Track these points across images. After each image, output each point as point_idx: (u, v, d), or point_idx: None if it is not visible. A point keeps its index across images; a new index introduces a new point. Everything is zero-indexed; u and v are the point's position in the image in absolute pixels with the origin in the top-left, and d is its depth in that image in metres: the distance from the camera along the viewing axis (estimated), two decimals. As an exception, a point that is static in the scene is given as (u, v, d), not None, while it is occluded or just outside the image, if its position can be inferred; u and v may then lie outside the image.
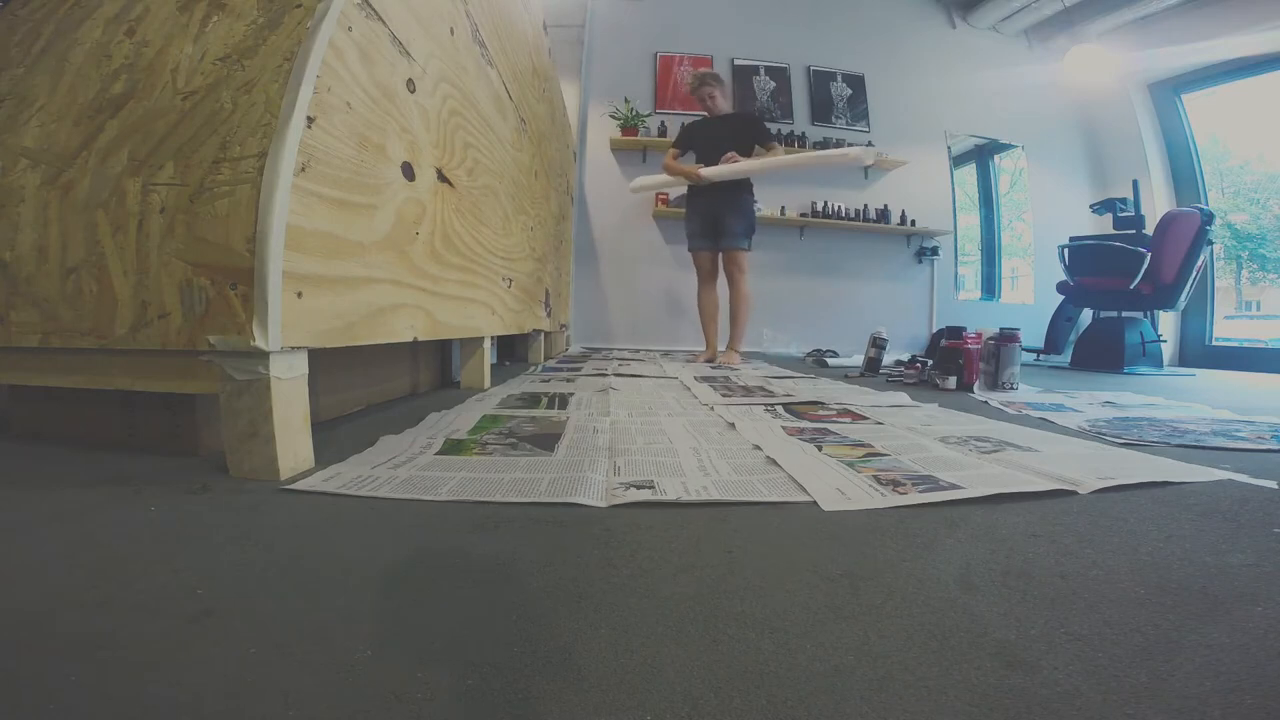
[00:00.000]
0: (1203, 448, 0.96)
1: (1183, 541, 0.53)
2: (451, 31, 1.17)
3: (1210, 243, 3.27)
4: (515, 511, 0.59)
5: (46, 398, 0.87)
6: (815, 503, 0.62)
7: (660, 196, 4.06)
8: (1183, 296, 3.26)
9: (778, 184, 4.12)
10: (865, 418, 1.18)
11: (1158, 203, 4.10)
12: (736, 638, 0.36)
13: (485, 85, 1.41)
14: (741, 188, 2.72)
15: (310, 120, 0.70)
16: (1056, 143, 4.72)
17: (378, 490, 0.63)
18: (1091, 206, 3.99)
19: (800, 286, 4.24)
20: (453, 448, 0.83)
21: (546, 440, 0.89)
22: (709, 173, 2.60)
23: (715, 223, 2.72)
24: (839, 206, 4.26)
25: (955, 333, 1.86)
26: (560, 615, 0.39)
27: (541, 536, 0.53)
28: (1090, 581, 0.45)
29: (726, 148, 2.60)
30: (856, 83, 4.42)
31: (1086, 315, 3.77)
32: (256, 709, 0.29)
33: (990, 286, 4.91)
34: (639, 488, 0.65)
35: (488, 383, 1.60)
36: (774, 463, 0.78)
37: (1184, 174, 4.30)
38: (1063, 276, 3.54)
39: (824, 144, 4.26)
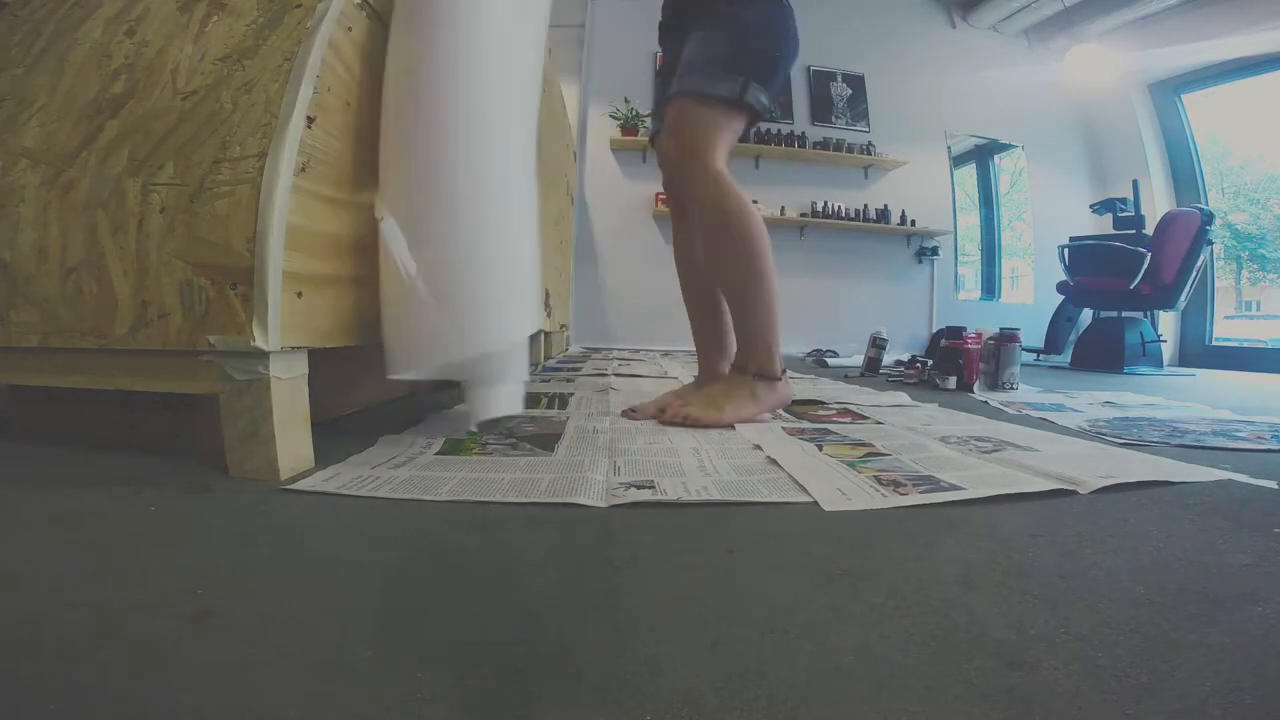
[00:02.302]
0: (1203, 448, 0.96)
1: (1183, 541, 0.53)
2: (451, 31, 1.16)
3: (1210, 243, 3.27)
4: (515, 511, 0.59)
5: (46, 398, 0.87)
6: (816, 503, 0.62)
7: (660, 196, 4.06)
8: (1183, 296, 3.26)
9: (778, 184, 4.13)
10: (865, 418, 1.18)
11: (1158, 203, 4.10)
12: (737, 638, 0.36)
13: (485, 85, 1.41)
14: None
15: (310, 120, 0.70)
16: (1056, 143, 4.72)
17: (378, 490, 0.63)
18: (1091, 206, 3.99)
19: (800, 286, 4.23)
20: (453, 448, 0.83)
21: (546, 440, 0.89)
22: None
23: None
24: (839, 206, 4.26)
25: (955, 333, 1.86)
26: (560, 615, 0.39)
27: (541, 536, 0.53)
28: (1090, 581, 0.45)
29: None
30: (856, 83, 4.43)
31: (1086, 315, 3.77)
32: (256, 709, 0.29)
33: (990, 286, 4.92)
34: (639, 488, 0.65)
35: (488, 383, 1.59)
36: (774, 463, 0.78)
37: (1184, 174, 4.31)
38: (1063, 276, 3.54)
39: (824, 144, 4.27)
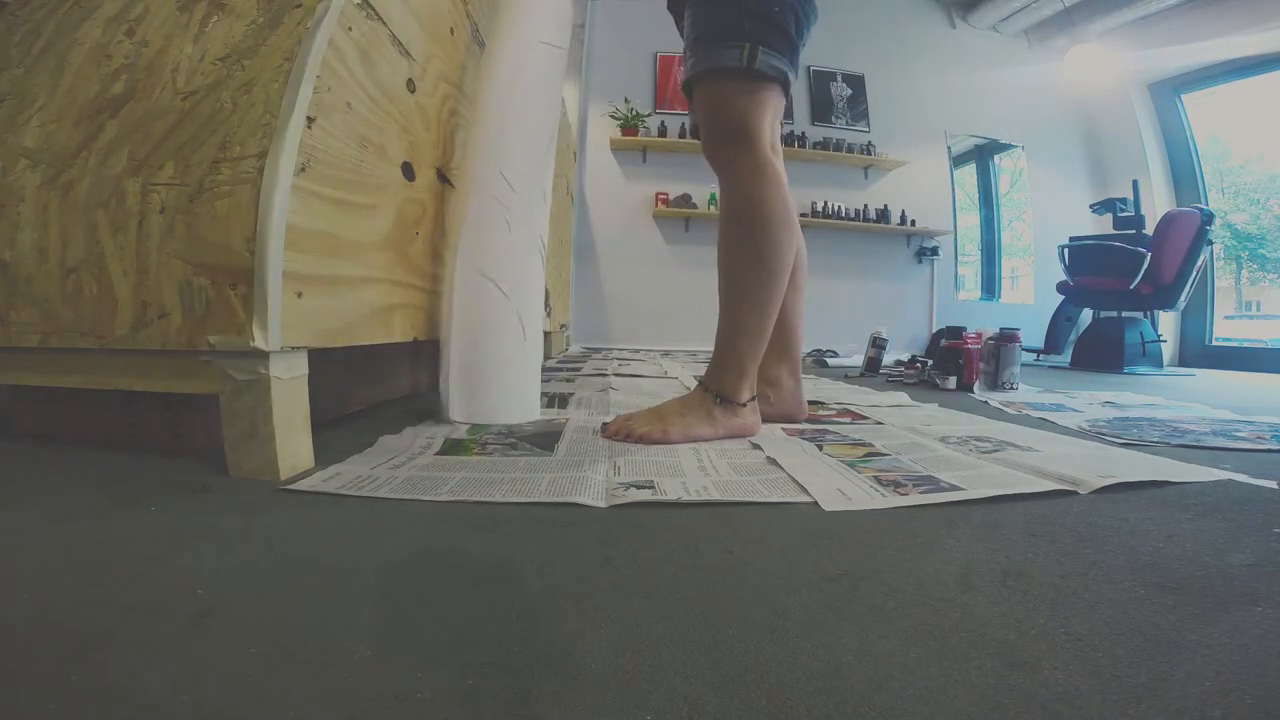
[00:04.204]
0: (1203, 448, 0.96)
1: (1183, 541, 0.53)
2: (451, 31, 1.17)
3: (1210, 243, 3.27)
4: (515, 511, 0.59)
5: (46, 398, 0.87)
6: (816, 503, 0.62)
7: (660, 196, 4.06)
8: (1183, 296, 3.25)
9: (778, 184, 4.11)
10: (865, 418, 1.18)
11: (1158, 203, 4.10)
12: (736, 638, 0.36)
13: (485, 85, 1.41)
14: None
15: (310, 120, 0.70)
16: (1056, 143, 4.72)
17: (378, 490, 0.63)
18: (1091, 206, 3.99)
19: (800, 286, 4.22)
20: (452, 448, 0.83)
21: (546, 440, 0.89)
22: None
23: None
24: (839, 207, 4.26)
25: (955, 333, 1.86)
26: (560, 615, 0.39)
27: (541, 536, 0.53)
28: (1090, 581, 0.45)
29: None
30: (856, 83, 4.42)
31: (1086, 315, 3.77)
32: (256, 709, 0.29)
33: (990, 286, 4.91)
34: (639, 488, 0.65)
35: (488, 383, 1.59)
36: (774, 463, 0.78)
37: (1184, 174, 4.30)
38: (1063, 276, 3.54)
39: (824, 144, 4.26)
